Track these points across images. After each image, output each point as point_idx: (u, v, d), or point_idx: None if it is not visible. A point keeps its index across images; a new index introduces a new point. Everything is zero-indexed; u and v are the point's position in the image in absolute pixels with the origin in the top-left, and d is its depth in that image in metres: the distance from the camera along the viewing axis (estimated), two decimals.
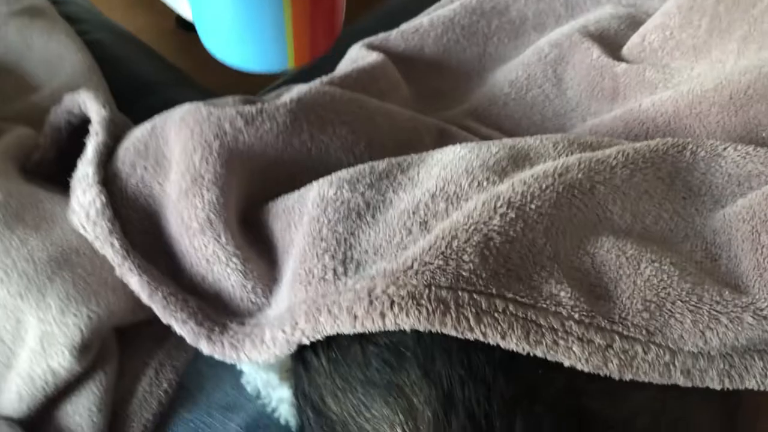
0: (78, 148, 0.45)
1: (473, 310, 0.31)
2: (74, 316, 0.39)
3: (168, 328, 0.43)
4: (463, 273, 0.32)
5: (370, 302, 0.32)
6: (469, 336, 0.31)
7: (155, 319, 0.43)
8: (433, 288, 0.32)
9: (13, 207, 0.44)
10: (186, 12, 0.37)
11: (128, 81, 0.68)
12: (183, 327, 0.38)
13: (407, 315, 0.31)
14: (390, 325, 0.31)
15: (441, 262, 0.32)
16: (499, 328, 0.31)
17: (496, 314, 0.31)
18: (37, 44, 0.63)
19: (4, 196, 0.44)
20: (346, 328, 0.32)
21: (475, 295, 0.32)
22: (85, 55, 0.64)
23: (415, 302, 0.31)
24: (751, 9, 0.50)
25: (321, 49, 0.36)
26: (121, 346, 0.43)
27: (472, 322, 0.31)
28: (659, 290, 0.34)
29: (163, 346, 0.43)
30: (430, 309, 0.31)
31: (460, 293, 0.32)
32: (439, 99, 0.62)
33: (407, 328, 0.31)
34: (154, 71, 0.73)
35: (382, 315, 0.31)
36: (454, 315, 0.31)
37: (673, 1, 0.56)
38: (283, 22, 0.32)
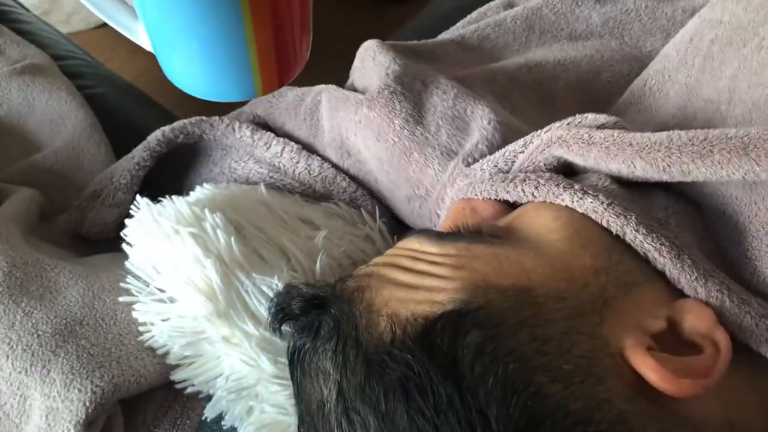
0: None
1: None
2: (78, 391, 0.39)
3: (173, 397, 0.43)
4: None
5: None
6: None
7: (159, 388, 0.43)
8: None
9: (18, 278, 0.44)
10: (145, 44, 0.36)
11: (129, 134, 0.69)
12: None
13: None
14: None
15: None
16: None
17: None
18: (38, 103, 0.64)
19: (9, 267, 0.45)
20: None
21: None
22: (87, 113, 0.65)
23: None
24: (742, 48, 0.51)
25: (290, 74, 0.36)
26: (125, 415, 0.43)
27: None
28: None
29: (167, 416, 0.43)
30: None
31: None
32: None
33: None
34: (155, 123, 0.73)
35: None
36: None
37: (672, 45, 0.56)
38: (247, 53, 0.32)
